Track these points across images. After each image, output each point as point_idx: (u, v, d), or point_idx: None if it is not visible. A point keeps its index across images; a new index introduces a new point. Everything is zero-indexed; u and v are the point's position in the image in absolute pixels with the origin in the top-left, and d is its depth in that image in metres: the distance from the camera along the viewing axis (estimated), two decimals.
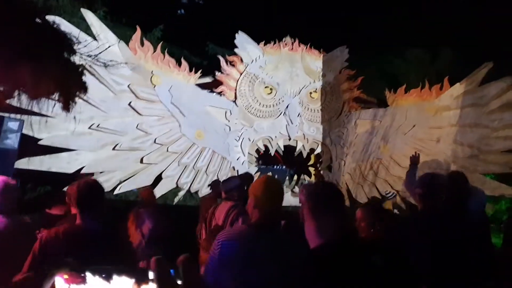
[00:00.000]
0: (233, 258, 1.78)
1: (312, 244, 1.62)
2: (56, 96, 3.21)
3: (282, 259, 1.79)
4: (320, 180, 6.55)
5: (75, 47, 2.96)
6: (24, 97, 3.51)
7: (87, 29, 6.41)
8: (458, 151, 7.20)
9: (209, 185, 5.41)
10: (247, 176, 4.77)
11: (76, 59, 3.02)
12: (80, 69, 3.11)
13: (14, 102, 4.09)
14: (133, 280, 1.67)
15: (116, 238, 2.14)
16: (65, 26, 5.31)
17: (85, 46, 3.10)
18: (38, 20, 2.82)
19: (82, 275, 1.64)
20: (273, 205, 1.97)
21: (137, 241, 4.09)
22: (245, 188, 3.56)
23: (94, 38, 5.99)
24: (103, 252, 1.92)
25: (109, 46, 4.52)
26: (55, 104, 3.69)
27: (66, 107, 3.11)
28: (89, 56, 3.07)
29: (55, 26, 2.96)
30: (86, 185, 2.08)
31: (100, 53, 3.33)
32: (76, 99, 3.18)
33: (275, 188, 2.05)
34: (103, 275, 1.63)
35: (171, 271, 1.86)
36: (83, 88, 3.22)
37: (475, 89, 7.19)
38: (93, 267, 1.66)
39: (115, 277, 1.64)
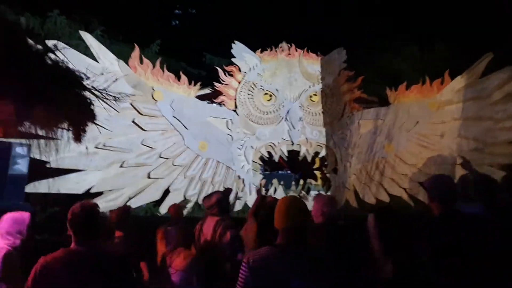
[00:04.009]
0: (262, 279, 1.85)
1: None
2: (66, 126, 3.29)
3: (308, 277, 1.83)
4: None
5: (84, 81, 3.06)
6: (32, 127, 3.60)
7: (86, 50, 6.56)
8: (463, 144, 7.16)
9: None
10: (227, 190, 4.89)
11: (87, 94, 3.10)
12: (88, 100, 3.19)
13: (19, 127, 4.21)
14: None
15: (111, 259, 2.17)
16: (72, 55, 5.48)
17: (93, 81, 3.17)
18: (47, 59, 2.91)
19: None
20: (291, 224, 1.97)
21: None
22: (227, 201, 3.67)
23: (94, 59, 6.13)
24: (96, 275, 1.99)
25: (116, 79, 4.60)
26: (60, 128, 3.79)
27: (78, 138, 3.19)
28: (98, 90, 3.15)
29: (61, 64, 3.04)
30: (79, 208, 2.13)
31: (109, 86, 3.39)
32: (87, 128, 3.26)
33: (292, 206, 2.05)
34: None
35: None
36: (93, 116, 3.30)
37: (477, 82, 7.16)
38: None
39: None
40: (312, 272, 1.84)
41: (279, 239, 2.00)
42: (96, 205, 2.22)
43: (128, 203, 6.13)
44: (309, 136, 7.11)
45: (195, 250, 3.46)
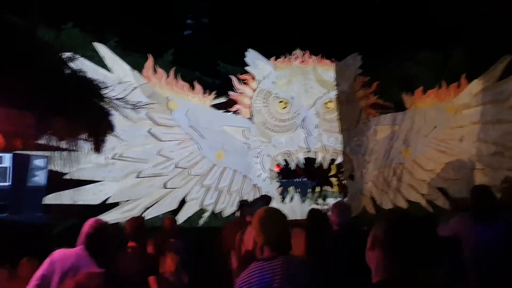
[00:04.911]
0: None
1: None
2: (85, 137, 3.27)
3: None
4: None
5: (102, 91, 3.03)
6: (51, 139, 3.57)
7: (100, 61, 6.57)
8: (482, 149, 7.05)
9: (237, 209, 5.33)
10: (268, 197, 4.82)
11: (104, 103, 3.07)
12: (106, 110, 3.17)
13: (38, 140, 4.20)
14: None
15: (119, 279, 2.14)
16: (86, 66, 5.49)
17: (111, 90, 3.14)
18: (64, 70, 2.89)
19: None
20: (268, 238, 1.95)
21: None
22: None
23: (108, 70, 6.14)
24: None
25: (135, 88, 4.58)
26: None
27: (98, 148, 3.16)
28: (117, 99, 3.12)
29: (78, 74, 3.01)
30: (90, 227, 2.09)
31: (127, 95, 3.37)
32: (106, 138, 3.23)
33: (263, 220, 2.00)
34: None
35: None
36: (111, 126, 3.27)
37: (494, 85, 7.07)
38: None
39: None
40: (292, 285, 1.82)
41: (264, 253, 1.98)
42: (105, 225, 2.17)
43: (144, 213, 6.11)
44: (325, 143, 7.04)
45: (237, 260, 3.41)
